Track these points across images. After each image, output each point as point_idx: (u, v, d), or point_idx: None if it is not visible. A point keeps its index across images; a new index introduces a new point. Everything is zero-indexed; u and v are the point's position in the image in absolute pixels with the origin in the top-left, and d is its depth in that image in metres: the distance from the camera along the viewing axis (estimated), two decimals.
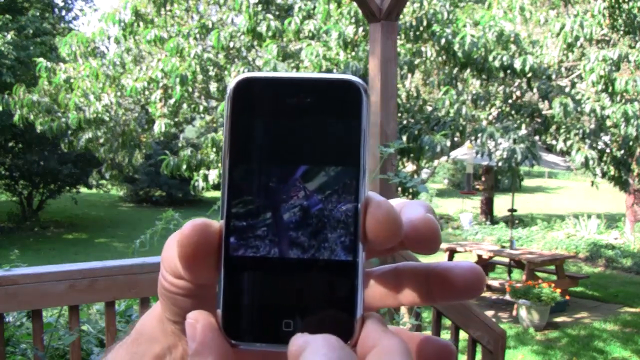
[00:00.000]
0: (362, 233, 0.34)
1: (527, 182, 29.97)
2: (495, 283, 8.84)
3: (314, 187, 0.35)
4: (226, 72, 7.45)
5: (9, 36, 14.17)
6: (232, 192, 0.35)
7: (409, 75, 7.43)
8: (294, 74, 0.36)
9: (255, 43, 7.43)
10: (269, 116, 0.35)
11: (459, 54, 6.70)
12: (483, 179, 16.93)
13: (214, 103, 7.93)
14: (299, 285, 0.35)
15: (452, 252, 9.57)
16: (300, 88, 0.35)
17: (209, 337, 0.33)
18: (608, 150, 7.65)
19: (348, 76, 0.35)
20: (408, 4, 6.55)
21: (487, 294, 9.22)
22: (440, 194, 22.69)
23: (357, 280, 0.34)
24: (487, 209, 17.07)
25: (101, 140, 8.42)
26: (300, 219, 0.35)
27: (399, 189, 6.04)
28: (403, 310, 3.86)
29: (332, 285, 0.35)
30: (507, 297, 8.26)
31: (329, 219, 0.35)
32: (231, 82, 0.36)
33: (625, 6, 8.27)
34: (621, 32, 8.60)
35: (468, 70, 7.21)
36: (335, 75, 0.35)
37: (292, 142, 0.35)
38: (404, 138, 6.26)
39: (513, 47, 7.21)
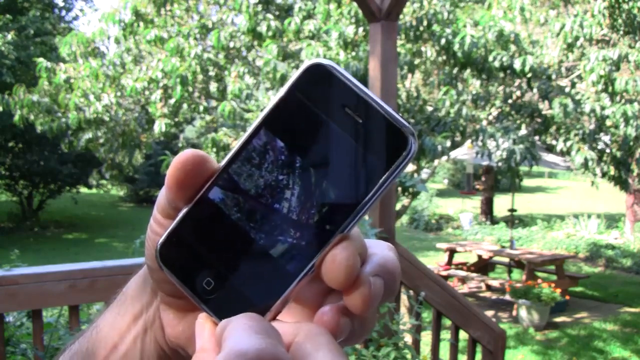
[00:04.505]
0: (320, 260, 0.35)
1: (527, 182, 29.97)
2: (495, 283, 8.84)
3: (312, 193, 0.35)
4: (226, 72, 7.45)
5: (10, 36, 14.17)
6: (244, 150, 0.36)
7: (409, 75, 7.42)
8: (367, 90, 0.35)
9: (255, 43, 7.43)
10: (318, 109, 0.35)
11: (459, 54, 6.70)
12: (483, 179, 16.92)
13: (214, 103, 7.93)
14: (241, 261, 0.36)
15: (452, 252, 9.57)
16: (362, 105, 0.35)
17: (214, 340, 0.35)
18: (608, 151, 7.64)
19: (409, 128, 0.35)
20: (408, 4, 6.55)
21: (487, 294, 9.22)
22: (440, 194, 22.68)
23: (286, 292, 0.36)
24: (487, 209, 17.07)
25: (101, 140, 8.41)
26: (282, 211, 0.36)
27: (399, 188, 6.04)
28: (403, 310, 3.87)
29: (264, 281, 0.36)
30: (507, 297, 8.26)
31: (305, 228, 0.35)
32: (310, 60, 0.36)
33: (625, 6, 8.27)
34: (621, 32, 8.60)
35: (468, 70, 7.21)
36: (399, 118, 0.35)
37: (322, 145, 0.35)
38: None
39: (513, 47, 7.21)
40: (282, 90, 0.36)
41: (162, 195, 0.38)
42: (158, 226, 0.39)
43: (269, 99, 7.07)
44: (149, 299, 0.44)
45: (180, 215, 0.37)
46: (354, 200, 0.35)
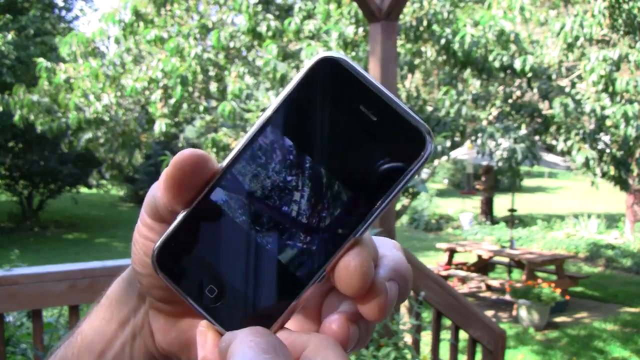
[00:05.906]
0: (332, 266, 0.33)
1: (527, 182, 29.97)
2: (495, 283, 8.84)
3: (323, 195, 0.33)
4: (226, 72, 7.46)
5: (10, 36, 14.17)
6: (248, 150, 0.33)
7: (409, 75, 7.43)
8: (381, 86, 0.33)
9: (255, 43, 7.43)
10: (329, 106, 0.33)
11: (459, 54, 6.71)
12: (483, 179, 16.92)
13: (214, 103, 7.93)
14: (247, 267, 0.34)
15: (452, 252, 9.57)
16: (376, 102, 0.32)
17: (218, 352, 0.33)
18: (608, 151, 7.65)
19: (425, 126, 0.32)
20: (408, 4, 6.55)
21: (487, 294, 9.21)
22: (440, 194, 22.67)
23: (294, 301, 0.33)
24: (487, 209, 17.07)
25: (101, 140, 8.42)
26: (291, 214, 0.33)
27: None
28: (403, 310, 3.86)
29: (271, 288, 0.33)
30: (507, 297, 8.26)
31: (316, 232, 0.33)
32: (319, 54, 0.33)
33: (625, 6, 8.26)
34: (621, 32, 8.60)
35: (468, 70, 7.21)
36: (415, 116, 0.33)
37: (333, 144, 0.33)
38: None
39: (513, 47, 7.21)
40: (291, 85, 0.33)
41: (154, 198, 0.35)
42: (148, 230, 0.36)
43: (269, 99, 7.06)
44: (136, 303, 0.42)
45: (180, 218, 0.34)
46: (368, 203, 0.32)
